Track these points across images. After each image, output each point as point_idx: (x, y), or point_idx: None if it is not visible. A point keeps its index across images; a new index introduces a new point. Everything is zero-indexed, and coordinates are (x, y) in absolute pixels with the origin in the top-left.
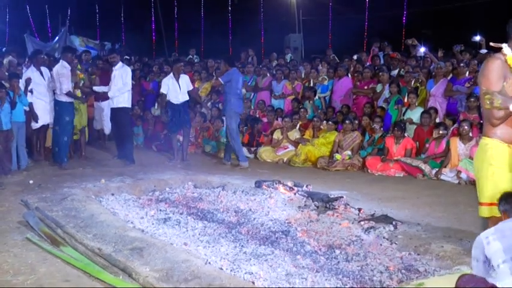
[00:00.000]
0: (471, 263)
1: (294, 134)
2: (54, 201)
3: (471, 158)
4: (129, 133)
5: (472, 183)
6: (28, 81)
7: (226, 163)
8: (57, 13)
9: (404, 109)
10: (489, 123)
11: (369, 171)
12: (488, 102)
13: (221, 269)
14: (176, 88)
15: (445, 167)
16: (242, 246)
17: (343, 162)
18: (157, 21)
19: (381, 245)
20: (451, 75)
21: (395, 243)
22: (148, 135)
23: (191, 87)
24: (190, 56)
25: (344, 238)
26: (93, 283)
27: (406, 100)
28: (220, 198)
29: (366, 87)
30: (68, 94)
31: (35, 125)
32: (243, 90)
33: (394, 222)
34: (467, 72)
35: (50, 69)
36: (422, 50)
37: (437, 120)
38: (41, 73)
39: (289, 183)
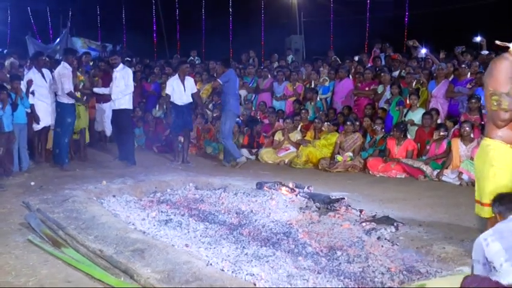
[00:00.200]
0: (471, 265)
1: (295, 136)
2: (55, 202)
3: (472, 159)
4: (131, 135)
5: (474, 184)
6: (29, 83)
7: (226, 165)
8: (58, 15)
9: (405, 110)
10: (493, 124)
11: (370, 172)
12: (495, 104)
13: (222, 270)
14: (181, 89)
15: (447, 168)
16: (243, 247)
17: (345, 164)
18: (159, 23)
19: (382, 246)
20: (452, 76)
21: (397, 245)
22: (150, 137)
23: (195, 90)
24: (192, 58)
25: (345, 239)
26: (94, 285)
27: (407, 101)
28: (221, 199)
29: (367, 89)
30: (69, 94)
31: (36, 127)
32: (244, 92)
33: (395, 224)
34: (469, 74)
35: (52, 71)
36: (423, 51)
37: (439, 122)
38: (43, 75)
39: (291, 185)
